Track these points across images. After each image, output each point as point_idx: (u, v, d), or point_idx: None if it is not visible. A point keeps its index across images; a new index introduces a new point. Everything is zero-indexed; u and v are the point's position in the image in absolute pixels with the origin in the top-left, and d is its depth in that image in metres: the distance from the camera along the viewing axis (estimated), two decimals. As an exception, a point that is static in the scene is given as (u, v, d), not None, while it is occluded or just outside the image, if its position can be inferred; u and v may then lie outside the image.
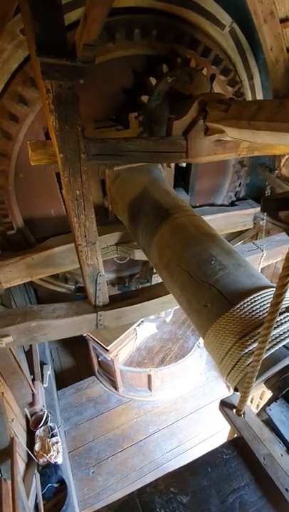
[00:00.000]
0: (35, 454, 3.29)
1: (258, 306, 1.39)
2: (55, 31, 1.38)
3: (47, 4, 1.32)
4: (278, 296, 0.97)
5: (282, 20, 2.19)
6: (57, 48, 1.41)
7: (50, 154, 1.83)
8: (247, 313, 1.38)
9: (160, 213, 2.17)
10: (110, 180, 2.85)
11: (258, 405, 4.05)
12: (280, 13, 2.14)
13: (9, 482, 2.14)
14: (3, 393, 2.70)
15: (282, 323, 1.30)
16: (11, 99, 2.35)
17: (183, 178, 3.76)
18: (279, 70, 2.30)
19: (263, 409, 1.26)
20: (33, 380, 3.91)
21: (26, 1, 1.30)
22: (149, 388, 4.56)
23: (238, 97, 2.99)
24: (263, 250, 2.93)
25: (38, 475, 3.17)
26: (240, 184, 3.86)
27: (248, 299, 1.42)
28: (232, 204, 4.01)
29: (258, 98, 3.16)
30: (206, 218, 2.19)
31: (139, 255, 3.20)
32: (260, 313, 1.37)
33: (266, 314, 1.03)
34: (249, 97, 3.15)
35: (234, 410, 1.28)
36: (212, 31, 2.70)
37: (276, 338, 1.27)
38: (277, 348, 1.25)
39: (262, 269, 3.33)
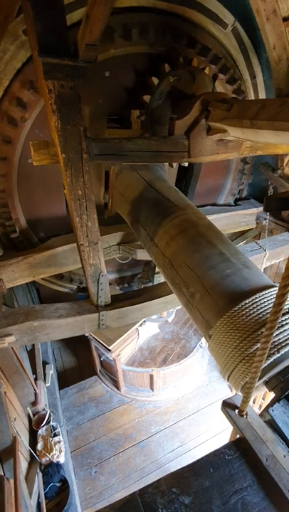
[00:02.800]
0: (38, 453, 3.30)
1: (261, 307, 1.38)
2: (57, 31, 1.39)
3: (49, 5, 1.32)
4: (281, 297, 0.97)
5: (285, 19, 2.18)
6: (59, 48, 1.41)
7: (53, 154, 1.83)
8: (249, 314, 1.37)
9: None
10: (114, 174, 2.84)
11: (260, 406, 4.04)
12: (282, 11, 2.12)
13: (12, 481, 2.15)
14: (5, 392, 2.71)
15: (284, 324, 1.30)
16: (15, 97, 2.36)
17: (184, 177, 3.75)
18: (282, 69, 2.28)
19: (266, 409, 1.25)
20: (36, 379, 3.92)
21: (28, 2, 1.31)
22: (151, 388, 4.56)
23: (238, 94, 2.97)
24: (265, 250, 2.92)
25: (40, 474, 3.18)
26: (242, 184, 3.85)
27: (251, 298, 1.42)
28: (235, 204, 3.99)
29: (260, 97, 3.15)
30: (209, 218, 2.18)
31: (142, 255, 3.20)
32: (263, 314, 1.36)
33: (269, 315, 1.02)
34: (252, 96, 3.13)
35: (236, 411, 1.27)
36: (214, 30, 2.69)
37: (279, 339, 1.26)
38: (280, 349, 1.24)
39: (265, 268, 3.31)
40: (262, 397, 3.98)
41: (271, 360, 1.21)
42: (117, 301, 2.56)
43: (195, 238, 1.86)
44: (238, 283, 1.53)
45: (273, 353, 1.22)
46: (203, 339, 4.58)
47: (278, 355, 1.22)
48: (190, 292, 1.67)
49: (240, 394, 1.30)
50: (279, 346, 1.23)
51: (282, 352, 1.23)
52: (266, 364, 1.21)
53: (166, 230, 2.02)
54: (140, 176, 2.61)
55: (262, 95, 3.14)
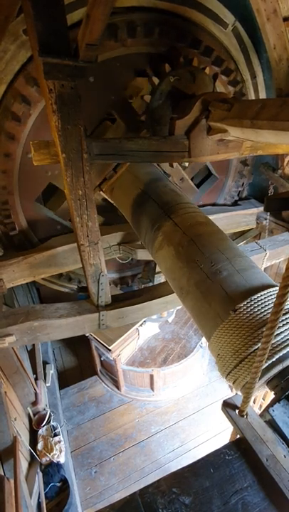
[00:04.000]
0: (38, 453, 3.30)
1: (263, 306, 1.38)
2: (57, 31, 1.39)
3: (49, 4, 1.33)
4: (281, 297, 0.97)
5: (286, 19, 2.18)
6: (59, 48, 1.41)
7: (53, 154, 1.83)
8: (251, 313, 1.37)
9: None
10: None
11: (260, 406, 4.03)
12: (283, 11, 2.12)
13: (12, 481, 2.15)
14: (6, 392, 2.71)
15: (285, 324, 1.29)
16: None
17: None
18: (282, 69, 2.28)
19: (266, 410, 1.25)
20: (36, 379, 3.92)
21: (29, 2, 1.31)
22: (152, 388, 4.56)
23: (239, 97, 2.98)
24: (266, 250, 2.91)
25: (40, 474, 3.18)
26: (242, 184, 3.85)
27: (253, 298, 1.41)
28: (235, 204, 3.99)
29: (261, 97, 3.15)
30: (209, 217, 2.18)
31: (142, 255, 3.20)
32: (265, 313, 1.36)
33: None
34: (252, 96, 3.13)
35: (237, 411, 1.27)
36: (215, 30, 2.69)
37: (279, 338, 1.26)
38: (282, 350, 1.24)
39: (265, 269, 3.31)
40: (262, 397, 3.98)
41: (272, 360, 1.21)
42: (118, 301, 2.56)
43: (220, 231, 1.97)
44: (264, 274, 1.63)
45: (274, 354, 1.21)
46: (203, 339, 4.58)
47: (278, 355, 1.22)
48: (214, 269, 1.66)
49: (240, 394, 1.30)
50: (280, 347, 1.23)
51: (282, 352, 1.23)
52: (267, 364, 1.21)
53: (192, 217, 2.06)
54: (157, 169, 2.68)
55: (262, 95, 3.14)
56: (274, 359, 1.22)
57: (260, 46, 2.81)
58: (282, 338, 1.26)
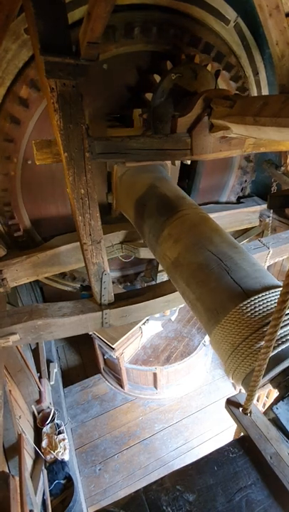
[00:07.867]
0: (43, 450, 3.32)
1: (266, 304, 1.38)
2: (58, 30, 1.39)
3: (50, 3, 1.32)
4: (285, 294, 0.96)
5: (288, 14, 2.16)
6: (61, 47, 1.41)
7: (55, 153, 1.83)
8: (254, 311, 1.37)
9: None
10: (117, 177, 2.83)
11: (264, 404, 4.03)
12: (285, 7, 2.10)
13: (17, 478, 2.16)
14: (10, 391, 2.73)
15: (288, 320, 1.29)
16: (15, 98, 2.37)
17: (187, 175, 3.74)
18: (285, 65, 2.26)
19: (270, 407, 1.25)
20: (40, 377, 3.95)
21: (30, 0, 1.31)
22: (155, 386, 4.57)
23: (242, 92, 2.96)
24: (269, 248, 2.89)
25: (45, 471, 3.20)
26: (245, 181, 3.83)
27: (256, 297, 1.41)
28: (237, 201, 3.97)
29: (263, 94, 3.13)
30: (211, 216, 2.17)
31: (144, 253, 3.20)
32: (268, 311, 1.35)
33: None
34: (255, 93, 3.11)
35: (240, 409, 1.27)
36: (217, 27, 2.67)
37: (283, 336, 1.26)
38: (284, 346, 1.24)
39: (268, 267, 3.30)
40: (266, 395, 3.98)
41: (275, 352, 1.21)
42: (120, 300, 2.56)
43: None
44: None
45: (277, 347, 1.21)
46: (206, 337, 4.58)
47: (280, 348, 1.22)
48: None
49: (244, 392, 1.30)
50: (283, 339, 1.23)
51: (285, 345, 1.23)
52: (273, 353, 1.20)
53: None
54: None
55: (265, 91, 3.12)
56: (276, 351, 1.22)
57: (263, 42, 2.79)
58: (285, 333, 1.25)
